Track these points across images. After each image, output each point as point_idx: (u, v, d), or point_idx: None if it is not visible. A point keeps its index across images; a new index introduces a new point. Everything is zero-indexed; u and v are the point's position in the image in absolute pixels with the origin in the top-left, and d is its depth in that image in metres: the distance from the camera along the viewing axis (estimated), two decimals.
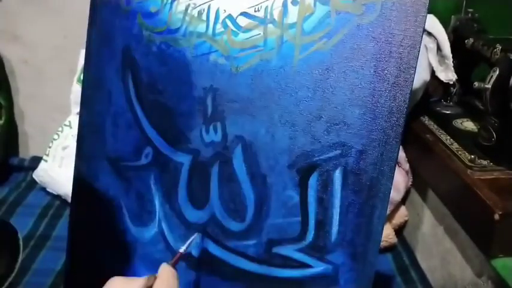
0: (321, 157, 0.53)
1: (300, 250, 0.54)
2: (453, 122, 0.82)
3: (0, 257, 0.56)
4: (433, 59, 0.81)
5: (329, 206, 0.53)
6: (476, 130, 0.77)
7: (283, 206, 0.55)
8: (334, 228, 0.53)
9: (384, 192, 0.51)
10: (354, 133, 0.51)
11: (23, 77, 1.12)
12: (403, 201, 0.89)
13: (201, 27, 0.57)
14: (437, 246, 0.79)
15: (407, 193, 0.88)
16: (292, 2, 0.53)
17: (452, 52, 0.80)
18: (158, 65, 0.59)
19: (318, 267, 0.54)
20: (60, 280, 0.75)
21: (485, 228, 0.61)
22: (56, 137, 0.99)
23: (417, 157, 0.84)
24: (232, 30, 0.55)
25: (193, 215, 0.59)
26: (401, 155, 0.85)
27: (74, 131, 0.93)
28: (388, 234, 0.85)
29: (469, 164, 0.68)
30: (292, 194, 0.54)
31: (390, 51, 0.49)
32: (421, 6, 0.49)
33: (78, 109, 0.66)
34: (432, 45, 0.81)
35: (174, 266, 0.51)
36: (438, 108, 0.88)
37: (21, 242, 0.57)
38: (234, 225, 0.57)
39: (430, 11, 0.63)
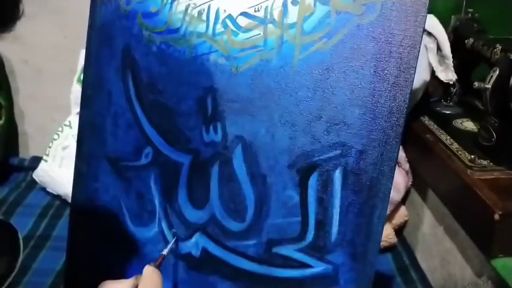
0: (321, 157, 0.53)
1: (300, 250, 0.54)
2: (453, 122, 0.82)
3: (1, 256, 0.56)
4: (433, 59, 0.81)
5: (329, 206, 0.53)
6: (476, 130, 0.77)
7: (283, 206, 0.55)
8: (334, 228, 0.53)
9: (383, 192, 0.51)
10: (354, 133, 0.51)
11: (23, 77, 1.12)
12: (403, 201, 0.89)
13: (201, 27, 0.57)
14: (437, 246, 0.79)
15: (407, 193, 0.88)
16: (292, 2, 0.53)
17: (452, 52, 0.80)
18: (158, 65, 0.59)
19: (318, 267, 0.54)
20: (60, 280, 0.75)
21: (485, 228, 0.61)
22: (56, 137, 0.99)
23: (417, 157, 0.84)
24: (232, 30, 0.55)
25: (193, 215, 0.59)
26: (401, 155, 0.85)
27: (74, 131, 0.93)
28: (388, 234, 0.85)
29: (469, 164, 0.68)
30: (292, 194, 0.54)
31: (390, 51, 0.49)
32: (421, 6, 0.49)
33: (78, 109, 0.66)
34: (432, 45, 0.81)
35: (158, 267, 0.53)
36: (438, 108, 0.88)
37: (21, 242, 0.57)
38: (234, 225, 0.57)
39: (430, 11, 0.63)
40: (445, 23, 0.83)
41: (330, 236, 0.53)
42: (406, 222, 0.90)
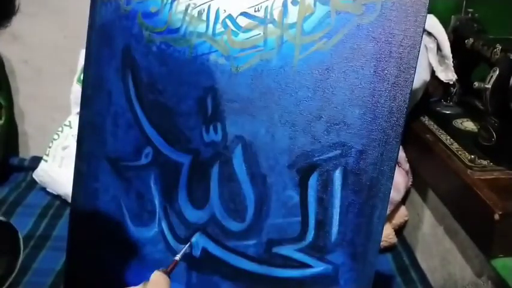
0: (321, 157, 0.53)
1: (300, 250, 0.54)
2: (453, 122, 0.82)
3: (1, 256, 0.55)
4: (433, 59, 0.81)
5: (329, 206, 0.53)
6: (476, 130, 0.77)
7: (283, 206, 0.55)
8: (334, 228, 0.53)
9: (383, 192, 0.51)
10: (354, 133, 0.51)
11: (23, 77, 1.12)
12: (403, 201, 0.89)
13: (201, 27, 0.57)
14: (437, 246, 0.79)
15: (407, 193, 0.88)
16: (292, 2, 0.53)
17: (452, 52, 0.80)
18: (158, 65, 0.59)
19: (318, 267, 0.54)
20: (60, 280, 0.75)
21: (485, 228, 0.61)
22: (56, 137, 0.99)
23: (417, 157, 0.84)
24: (232, 30, 0.55)
25: (193, 215, 0.59)
26: (401, 155, 0.85)
27: (74, 131, 0.93)
28: (388, 234, 0.85)
29: (469, 164, 0.68)
30: (292, 194, 0.54)
31: (390, 51, 0.49)
32: (421, 6, 0.49)
33: (78, 109, 0.66)
34: (432, 45, 0.81)
35: (169, 273, 0.51)
36: (438, 108, 0.88)
37: (21, 242, 0.57)
38: (234, 225, 0.57)
39: (430, 11, 0.63)
40: (445, 23, 0.83)
41: (330, 236, 0.53)
42: (406, 222, 0.90)
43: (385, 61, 0.50)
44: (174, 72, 0.58)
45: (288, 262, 0.55)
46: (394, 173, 0.51)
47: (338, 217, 0.53)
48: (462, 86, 0.87)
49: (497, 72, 0.66)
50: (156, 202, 0.61)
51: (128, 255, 0.63)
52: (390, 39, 0.49)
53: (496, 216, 0.58)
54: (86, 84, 0.64)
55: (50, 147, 0.98)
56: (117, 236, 0.64)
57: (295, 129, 0.53)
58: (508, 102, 0.64)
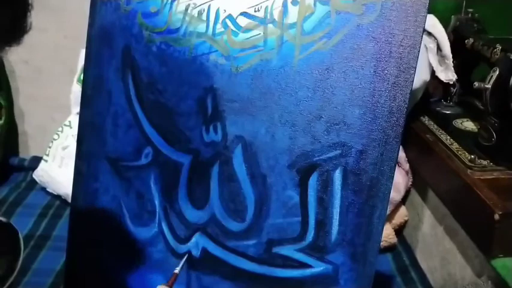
0: (321, 157, 0.53)
1: (300, 250, 0.54)
2: (453, 122, 0.82)
3: (2, 256, 0.56)
4: (433, 59, 0.81)
5: (329, 206, 0.53)
6: (476, 130, 0.77)
7: (283, 206, 0.55)
8: (334, 228, 0.53)
9: (383, 192, 0.51)
10: (354, 133, 0.51)
11: (23, 77, 1.12)
12: (403, 201, 0.89)
13: (201, 27, 0.57)
14: (437, 246, 0.78)
15: (407, 193, 0.88)
16: (292, 2, 0.53)
17: (452, 52, 0.80)
18: (158, 65, 0.59)
19: (318, 267, 0.54)
20: (60, 280, 0.75)
21: (485, 228, 0.61)
22: (56, 137, 0.99)
23: (417, 157, 0.84)
24: (232, 30, 0.55)
25: (194, 215, 0.59)
26: (401, 155, 0.85)
27: (74, 131, 0.93)
28: (388, 234, 0.85)
29: (469, 164, 0.68)
30: (292, 194, 0.54)
31: (390, 51, 0.49)
32: (421, 6, 0.49)
33: (78, 109, 0.66)
34: (432, 45, 0.81)
35: (171, 286, 0.53)
36: (438, 108, 0.88)
37: (22, 242, 0.57)
38: (234, 225, 0.57)
39: (430, 11, 0.63)
40: (445, 23, 0.82)
41: (330, 236, 0.53)
42: (406, 222, 0.90)
43: (385, 61, 0.50)
44: (174, 72, 0.58)
45: (288, 262, 0.55)
46: (394, 173, 0.51)
47: (338, 217, 0.53)
48: (462, 86, 0.87)
49: (497, 72, 0.66)
50: (156, 202, 0.61)
51: (128, 255, 0.63)
52: (390, 39, 0.49)
53: (496, 216, 0.58)
54: (86, 84, 0.64)
55: (50, 147, 0.98)
56: (117, 236, 0.64)
57: (295, 129, 0.53)
58: (508, 102, 0.64)
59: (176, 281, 0.56)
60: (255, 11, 0.54)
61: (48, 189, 0.99)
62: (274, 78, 0.54)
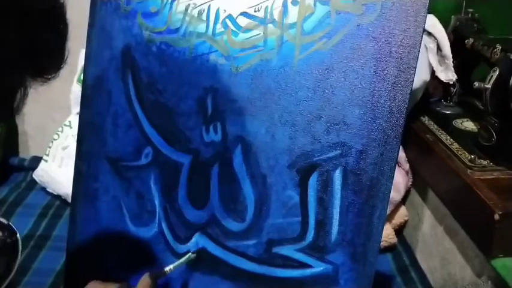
0: (321, 157, 0.53)
1: (300, 250, 0.54)
2: (453, 122, 0.82)
3: (0, 257, 0.56)
4: (433, 59, 0.81)
5: (329, 206, 0.53)
6: (476, 130, 0.77)
7: (283, 206, 0.55)
8: (334, 228, 0.53)
9: (383, 192, 0.51)
10: (354, 133, 0.51)
11: None
12: (403, 201, 0.89)
13: (201, 27, 0.57)
14: (437, 246, 0.78)
15: (407, 193, 0.88)
16: (292, 2, 0.53)
17: (452, 52, 0.80)
18: (158, 65, 0.59)
19: (318, 267, 0.54)
20: (60, 280, 0.75)
21: (485, 228, 0.61)
22: (56, 137, 0.99)
23: (417, 157, 0.84)
24: (232, 30, 0.55)
25: (193, 215, 0.59)
26: (401, 155, 0.85)
27: (74, 131, 0.93)
28: (388, 234, 0.85)
29: (469, 164, 0.68)
30: (292, 194, 0.54)
31: (390, 51, 0.49)
32: (421, 6, 0.49)
33: (78, 109, 0.66)
34: (432, 45, 0.81)
35: (155, 278, 0.54)
36: (438, 108, 0.88)
37: (20, 243, 0.57)
38: (234, 225, 0.57)
39: (430, 11, 0.63)
40: (445, 23, 0.82)
41: (330, 236, 0.53)
42: (406, 222, 0.90)
43: (385, 61, 0.50)
44: (174, 72, 0.58)
45: (288, 262, 0.55)
46: (394, 173, 0.51)
47: (338, 217, 0.53)
48: (462, 86, 0.87)
49: (497, 72, 0.66)
50: (156, 202, 0.61)
51: (128, 255, 0.63)
52: (390, 39, 0.49)
53: (496, 216, 0.58)
54: (86, 84, 0.64)
55: (50, 147, 0.98)
56: (117, 236, 0.64)
57: (295, 129, 0.53)
58: (508, 102, 0.64)
59: (176, 281, 0.56)
60: (255, 11, 0.54)
61: (48, 189, 0.99)
62: (274, 78, 0.54)
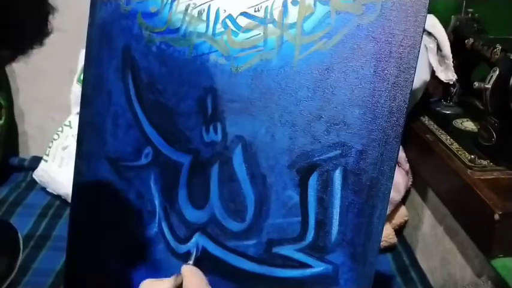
0: (321, 157, 0.53)
1: (300, 250, 0.54)
2: (453, 122, 0.82)
3: (1, 256, 0.56)
4: (433, 59, 0.81)
5: (329, 206, 0.53)
6: (476, 130, 0.77)
7: (283, 206, 0.55)
8: (334, 228, 0.53)
9: (383, 192, 0.51)
10: (354, 133, 0.51)
11: (23, 77, 1.12)
12: (403, 201, 0.89)
13: (201, 27, 0.57)
14: (437, 246, 0.79)
15: (407, 193, 0.88)
16: (292, 2, 0.53)
17: (452, 52, 0.80)
18: (158, 65, 0.59)
19: (318, 267, 0.54)
20: (60, 280, 0.75)
21: (485, 228, 0.61)
22: (56, 137, 0.99)
23: (417, 157, 0.84)
24: (232, 30, 0.55)
25: (193, 215, 0.59)
26: (401, 155, 0.85)
27: (74, 131, 0.93)
28: (388, 234, 0.85)
29: (469, 164, 0.68)
30: (292, 194, 0.54)
31: (390, 51, 0.49)
32: (421, 6, 0.49)
33: (78, 109, 0.66)
34: (432, 45, 0.81)
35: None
36: (438, 108, 0.88)
37: (21, 242, 0.57)
38: (234, 225, 0.57)
39: (430, 11, 0.63)
40: (445, 23, 0.83)
41: (330, 236, 0.53)
42: (406, 222, 0.90)
43: (385, 61, 0.50)
44: (174, 72, 0.58)
45: (288, 262, 0.55)
46: (394, 173, 0.51)
47: (338, 217, 0.53)
48: (462, 86, 0.87)
49: (497, 72, 0.66)
50: (156, 202, 0.61)
51: (128, 255, 0.63)
52: (390, 39, 0.49)
53: (496, 216, 0.58)
54: (86, 84, 0.64)
55: (50, 147, 0.98)
56: (117, 236, 0.64)
57: (295, 129, 0.53)
58: (508, 102, 0.64)
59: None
60: (255, 11, 0.54)
61: (48, 189, 0.99)
62: (274, 78, 0.54)
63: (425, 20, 0.49)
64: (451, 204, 0.72)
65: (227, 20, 0.56)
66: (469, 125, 0.81)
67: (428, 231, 0.82)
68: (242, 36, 0.55)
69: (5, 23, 0.34)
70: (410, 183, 0.87)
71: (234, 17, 0.55)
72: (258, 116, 0.55)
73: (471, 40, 0.79)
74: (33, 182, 1.01)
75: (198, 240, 0.59)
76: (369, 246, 0.52)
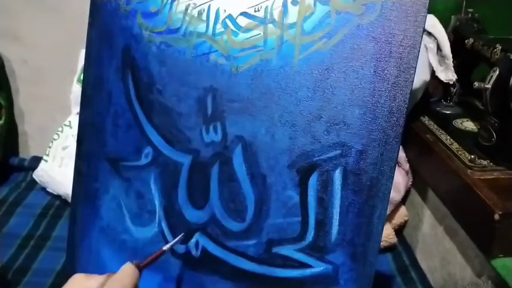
0: (321, 157, 0.53)
1: (300, 250, 0.54)
2: (453, 122, 0.82)
3: None
4: (433, 59, 0.81)
5: (329, 206, 0.53)
6: (476, 130, 0.77)
7: (283, 206, 0.55)
8: (334, 228, 0.53)
9: (383, 192, 0.51)
10: (354, 133, 0.51)
11: (23, 77, 1.12)
12: (403, 201, 0.89)
13: (201, 27, 0.57)
14: (437, 246, 0.78)
15: (407, 193, 0.88)
16: (292, 2, 0.53)
17: (452, 52, 0.80)
18: (158, 65, 0.59)
19: (318, 267, 0.54)
20: (60, 280, 0.75)
21: (485, 228, 0.61)
22: (56, 137, 0.99)
23: (417, 157, 0.84)
24: (232, 30, 0.55)
25: (193, 215, 0.59)
26: (401, 155, 0.85)
27: (74, 131, 0.93)
28: (388, 234, 0.85)
29: (469, 164, 0.68)
30: (292, 194, 0.54)
31: (390, 51, 0.49)
32: (421, 6, 0.49)
33: (78, 109, 0.66)
34: (432, 45, 0.81)
35: (141, 268, 0.50)
36: (438, 108, 0.88)
37: None
38: (234, 225, 0.57)
39: (430, 11, 0.63)
40: (445, 23, 0.82)
41: (330, 236, 0.53)
42: (406, 222, 0.90)
43: (385, 61, 0.50)
44: (174, 72, 0.59)
45: (288, 262, 0.55)
46: (394, 173, 0.51)
47: (338, 217, 0.53)
48: (462, 86, 0.87)
49: (497, 72, 0.65)
50: (156, 202, 0.61)
51: (128, 255, 0.63)
52: (390, 39, 0.49)
53: (496, 216, 0.58)
54: (86, 84, 0.64)
55: (50, 147, 0.98)
56: (117, 236, 0.64)
57: (295, 129, 0.53)
58: (508, 102, 0.64)
59: (176, 281, 0.56)
60: (255, 11, 0.55)
61: (48, 189, 0.99)
62: (274, 78, 0.54)
63: (425, 20, 0.49)
64: (451, 204, 0.72)
65: (227, 20, 0.56)
66: (469, 125, 0.81)
67: (428, 231, 0.82)
68: (242, 36, 0.55)
69: None
70: (410, 183, 0.87)
71: (234, 17, 0.55)
72: (258, 116, 0.55)
73: (471, 40, 0.79)
74: (33, 182, 1.01)
75: (198, 240, 0.59)
76: (369, 246, 0.52)
